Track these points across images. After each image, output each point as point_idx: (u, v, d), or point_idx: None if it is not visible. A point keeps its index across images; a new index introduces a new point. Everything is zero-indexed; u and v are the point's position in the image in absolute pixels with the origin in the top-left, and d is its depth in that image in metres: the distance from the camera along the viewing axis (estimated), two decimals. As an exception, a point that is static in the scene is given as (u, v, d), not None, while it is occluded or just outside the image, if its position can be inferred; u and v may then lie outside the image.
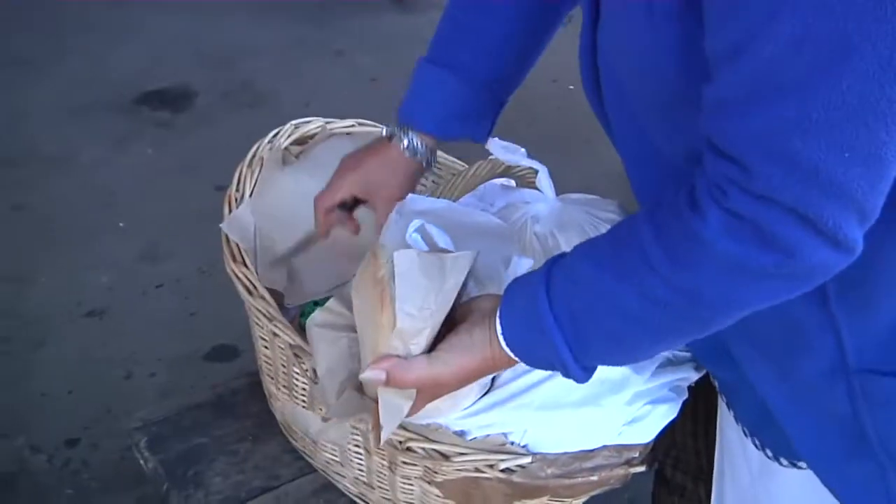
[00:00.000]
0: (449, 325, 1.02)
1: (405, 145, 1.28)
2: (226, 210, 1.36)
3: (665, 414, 1.15)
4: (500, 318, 0.97)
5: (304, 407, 1.28)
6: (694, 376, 1.20)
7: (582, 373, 0.96)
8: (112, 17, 3.97)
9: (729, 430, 1.20)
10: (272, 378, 1.37)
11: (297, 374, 1.27)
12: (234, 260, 1.33)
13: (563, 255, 0.97)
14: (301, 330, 1.33)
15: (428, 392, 1.02)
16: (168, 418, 1.51)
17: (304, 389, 1.28)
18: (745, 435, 1.14)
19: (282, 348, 1.27)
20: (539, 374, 1.10)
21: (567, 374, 0.96)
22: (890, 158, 0.77)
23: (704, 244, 0.82)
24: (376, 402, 1.03)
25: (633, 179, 1.10)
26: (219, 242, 1.31)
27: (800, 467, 1.08)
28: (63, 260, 2.71)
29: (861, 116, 0.74)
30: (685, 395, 1.19)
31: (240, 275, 1.32)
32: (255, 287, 1.31)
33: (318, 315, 1.16)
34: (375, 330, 1.01)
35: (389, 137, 1.30)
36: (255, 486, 1.41)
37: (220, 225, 1.33)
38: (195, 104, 3.48)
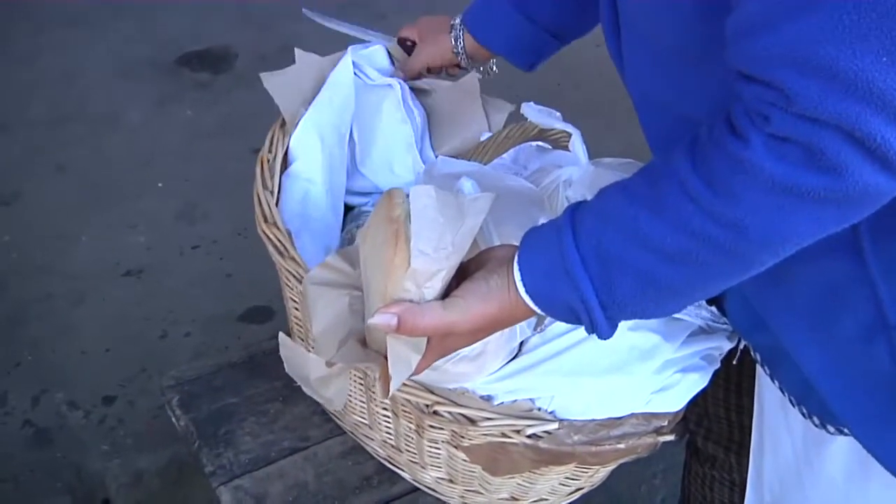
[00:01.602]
0: (463, 275, 0.94)
1: (453, 37, 1.42)
2: (258, 171, 1.35)
3: (696, 383, 1.14)
4: (519, 261, 0.89)
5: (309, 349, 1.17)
6: (727, 346, 1.18)
7: (607, 325, 0.88)
8: None
9: (770, 403, 1.17)
10: (303, 339, 1.37)
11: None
12: (266, 221, 1.32)
13: (586, 200, 0.90)
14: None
15: (439, 344, 0.94)
16: (200, 377, 1.52)
17: (334, 351, 1.27)
18: (792, 404, 1.10)
19: (313, 309, 1.27)
20: (567, 339, 1.09)
21: (591, 325, 0.89)
22: None
23: (749, 167, 0.77)
24: (384, 355, 0.95)
25: (647, 131, 1.07)
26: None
27: (847, 434, 1.04)
28: (103, 219, 2.74)
29: (893, 20, 0.70)
30: (717, 365, 1.17)
31: (271, 236, 1.32)
32: (286, 248, 1.30)
33: (316, 272, 1.08)
34: (386, 273, 0.92)
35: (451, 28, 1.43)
36: (285, 446, 1.41)
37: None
38: (235, 66, 3.48)
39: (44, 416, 2.16)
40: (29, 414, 2.17)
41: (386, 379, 0.94)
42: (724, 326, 1.18)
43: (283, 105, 1.39)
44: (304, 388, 1.14)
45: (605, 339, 0.90)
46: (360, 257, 1.00)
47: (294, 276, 1.28)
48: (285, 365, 1.03)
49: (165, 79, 3.44)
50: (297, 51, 1.45)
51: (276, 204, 1.34)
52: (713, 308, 1.17)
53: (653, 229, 0.82)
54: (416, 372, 0.95)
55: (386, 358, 0.93)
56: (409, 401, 1.13)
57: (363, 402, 1.27)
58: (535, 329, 1.11)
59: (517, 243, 0.94)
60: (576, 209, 0.89)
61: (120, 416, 2.16)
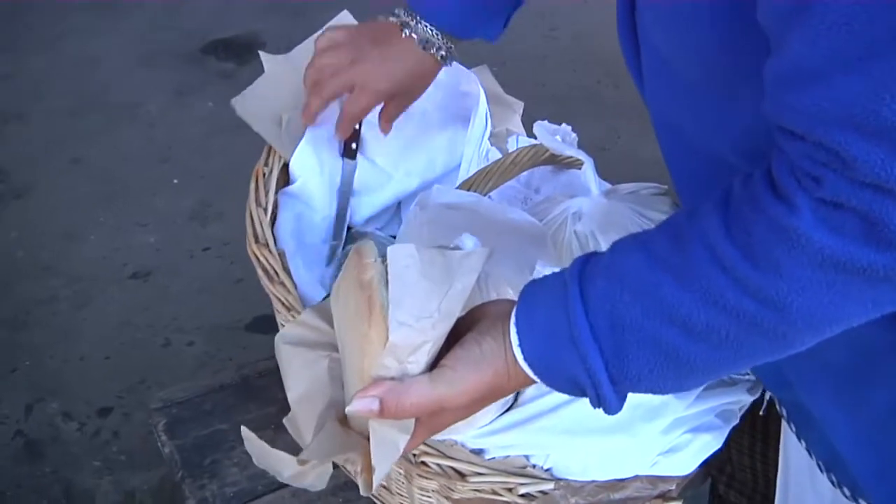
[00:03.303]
0: (454, 336, 0.83)
1: (417, 36, 1.18)
2: (252, 185, 1.29)
3: (708, 444, 1.04)
4: (517, 322, 0.79)
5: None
6: (748, 399, 1.08)
7: (616, 400, 0.79)
8: None
9: (797, 462, 1.07)
10: (294, 366, 1.30)
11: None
12: (257, 241, 1.27)
13: (598, 253, 0.80)
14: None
15: (430, 420, 0.84)
16: (189, 400, 1.45)
17: (322, 385, 1.20)
18: (821, 469, 1.00)
19: (302, 340, 1.20)
20: (564, 395, 1.00)
21: (598, 401, 0.79)
22: None
23: (796, 238, 0.67)
24: (366, 437, 0.84)
25: (669, 162, 0.97)
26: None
27: None
28: (115, 217, 2.69)
29: None
30: (735, 422, 1.08)
31: (261, 257, 1.27)
32: (275, 272, 1.24)
33: (288, 330, 0.98)
34: (362, 349, 0.82)
35: (401, 27, 1.19)
36: (273, 479, 1.32)
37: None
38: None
39: (36, 427, 2.11)
40: (21, 424, 2.12)
41: (369, 470, 0.83)
42: (746, 378, 1.09)
43: (262, 132, 1.32)
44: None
45: (612, 414, 0.80)
46: (334, 320, 0.90)
47: (283, 303, 1.21)
48: (254, 459, 0.93)
49: (188, 68, 3.39)
50: (262, 55, 1.37)
51: (272, 222, 1.27)
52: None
53: (678, 301, 0.73)
54: (405, 453, 0.85)
55: (369, 442, 0.83)
56: (396, 449, 1.06)
57: (353, 441, 1.20)
58: (532, 379, 1.03)
59: (511, 290, 0.84)
60: (586, 263, 0.79)
61: (115, 429, 2.11)
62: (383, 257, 0.82)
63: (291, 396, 0.94)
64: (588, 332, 0.75)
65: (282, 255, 1.30)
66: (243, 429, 0.95)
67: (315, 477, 0.91)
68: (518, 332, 0.79)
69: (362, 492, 0.88)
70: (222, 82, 3.30)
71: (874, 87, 0.62)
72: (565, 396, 0.99)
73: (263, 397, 1.44)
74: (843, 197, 0.65)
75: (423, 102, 1.24)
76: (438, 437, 1.02)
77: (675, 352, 0.75)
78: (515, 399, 1.03)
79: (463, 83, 1.42)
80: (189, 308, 2.39)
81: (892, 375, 0.86)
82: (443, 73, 1.27)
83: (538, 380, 0.80)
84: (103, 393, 2.17)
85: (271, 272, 1.25)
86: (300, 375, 0.94)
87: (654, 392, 0.79)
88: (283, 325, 1.27)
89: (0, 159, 2.89)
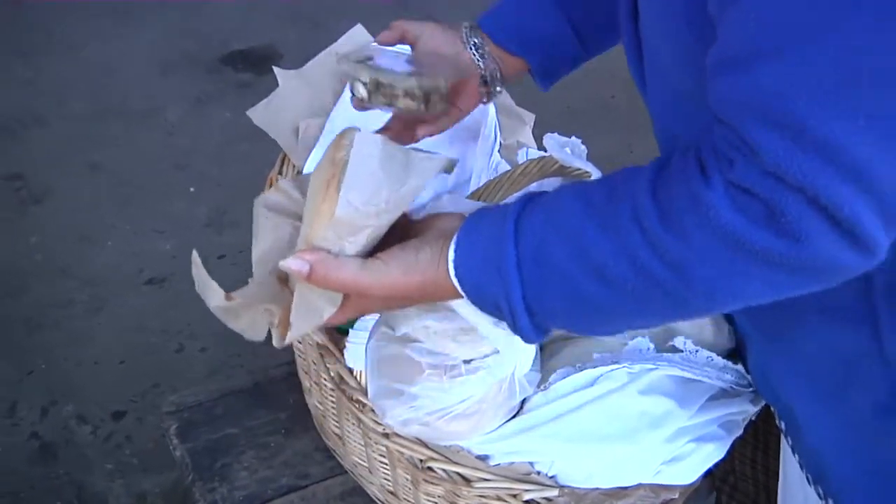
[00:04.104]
0: (406, 234, 0.88)
1: (473, 45, 1.18)
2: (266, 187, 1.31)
3: (711, 454, 1.05)
4: (457, 241, 0.83)
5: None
6: (751, 409, 1.09)
7: (532, 328, 0.83)
8: None
9: (792, 476, 1.08)
10: (305, 372, 1.32)
11: (324, 374, 1.21)
12: (270, 249, 1.29)
13: (544, 193, 0.84)
14: (332, 329, 1.26)
15: (357, 302, 0.88)
16: (201, 404, 1.47)
17: (331, 390, 1.21)
18: (809, 483, 1.02)
19: (310, 345, 1.21)
20: (572, 401, 1.02)
21: (514, 325, 0.83)
22: None
23: (706, 209, 0.71)
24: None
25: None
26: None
27: None
28: (131, 223, 2.71)
29: (876, 78, 0.64)
30: (739, 432, 1.09)
31: (274, 265, 1.28)
32: (287, 278, 1.26)
33: (269, 195, 1.01)
34: (312, 217, 0.87)
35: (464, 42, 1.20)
36: (283, 483, 1.36)
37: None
38: (279, 66, 3.43)
39: (51, 429, 2.13)
40: (37, 426, 2.14)
41: (285, 325, 0.88)
42: (750, 389, 1.09)
43: (278, 138, 1.34)
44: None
45: (529, 342, 0.86)
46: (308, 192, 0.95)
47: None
48: (196, 285, 0.97)
49: (207, 77, 3.42)
50: (276, 70, 1.39)
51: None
52: (739, 367, 1.09)
53: (597, 248, 0.77)
54: (329, 324, 0.90)
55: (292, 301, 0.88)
56: (402, 454, 1.08)
57: (361, 446, 1.21)
58: (537, 387, 1.04)
59: None
60: (530, 200, 0.84)
61: (128, 432, 2.12)
62: None
63: (255, 254, 0.98)
64: (514, 261, 0.80)
65: (295, 262, 1.32)
66: (194, 253, 0.96)
67: (247, 323, 0.95)
68: (455, 249, 0.83)
69: (275, 343, 0.93)
70: (240, 92, 3.32)
71: (781, 82, 0.65)
72: (572, 404, 1.02)
73: (274, 402, 1.46)
74: (749, 182, 0.69)
75: None
76: (444, 443, 1.05)
77: (586, 295, 0.79)
78: (521, 406, 1.05)
79: None
80: (203, 314, 2.35)
81: (872, 382, 0.88)
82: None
83: (465, 297, 0.84)
84: (117, 397, 2.19)
85: (283, 278, 1.26)
86: (265, 237, 0.98)
87: (568, 329, 0.87)
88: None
89: (20, 164, 2.91)
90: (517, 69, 1.20)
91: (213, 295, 0.95)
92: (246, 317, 0.96)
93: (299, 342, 1.29)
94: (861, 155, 0.65)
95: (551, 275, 0.79)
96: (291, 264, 0.84)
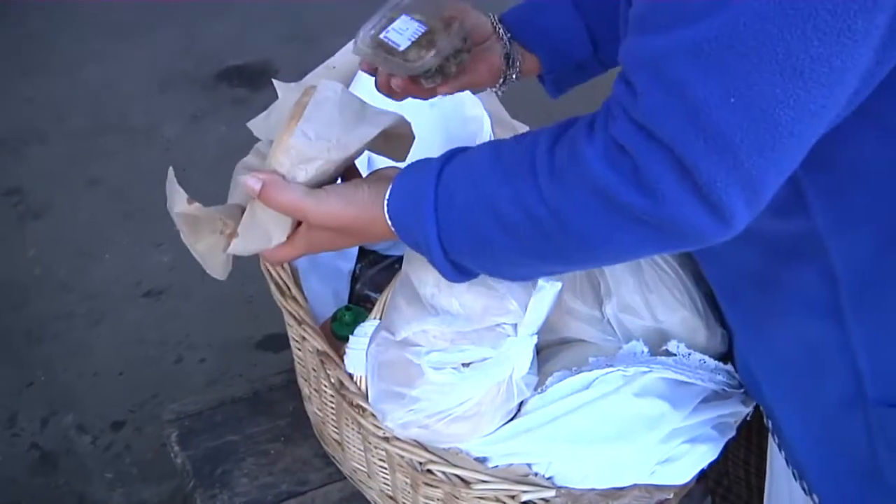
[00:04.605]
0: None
1: (500, 32, 1.18)
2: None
3: (704, 455, 1.08)
4: (394, 183, 0.93)
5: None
6: (742, 411, 1.12)
7: (450, 268, 0.92)
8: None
9: (778, 473, 1.12)
10: (305, 379, 1.34)
11: (324, 380, 1.22)
12: (269, 258, 1.30)
13: (471, 147, 0.93)
14: (331, 335, 1.28)
15: (306, 235, 0.98)
16: (201, 413, 1.48)
17: (331, 396, 1.23)
18: (795, 478, 1.06)
19: (310, 352, 1.23)
20: (568, 403, 1.05)
21: (431, 261, 0.92)
22: (785, 124, 0.69)
23: (583, 163, 0.78)
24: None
25: None
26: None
27: None
28: (130, 236, 2.73)
29: (753, 60, 0.68)
30: (731, 433, 1.11)
31: (273, 273, 1.30)
32: (287, 287, 1.28)
33: (247, 158, 1.14)
34: (274, 146, 0.96)
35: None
36: (283, 489, 1.37)
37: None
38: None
39: (51, 440, 2.14)
40: (37, 436, 2.15)
41: (233, 236, 0.99)
42: (741, 390, 1.12)
43: None
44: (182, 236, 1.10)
45: (450, 280, 0.94)
46: None
47: (294, 317, 1.24)
48: (167, 200, 1.03)
49: (203, 93, 3.44)
50: (275, 82, 1.41)
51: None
52: (730, 368, 1.11)
53: (497, 194, 0.84)
54: (278, 257, 1.01)
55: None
56: (402, 457, 1.09)
57: (361, 451, 1.23)
58: (535, 390, 1.06)
59: (514, 301, 0.98)
60: (458, 151, 0.92)
61: (127, 442, 2.14)
62: None
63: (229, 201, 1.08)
64: (432, 203, 0.88)
65: (294, 271, 1.33)
66: (169, 170, 1.02)
67: (205, 248, 1.04)
68: (391, 190, 0.92)
69: (221, 250, 1.03)
70: (236, 108, 3.34)
71: (677, 46, 0.70)
72: (568, 406, 1.05)
73: (273, 410, 1.47)
74: (624, 137, 0.75)
75: (427, 126, 1.25)
76: (444, 446, 1.07)
77: (488, 237, 0.86)
78: (519, 409, 1.07)
79: (468, 107, 1.45)
80: (201, 326, 2.42)
81: (838, 374, 0.92)
82: (448, 98, 1.30)
83: (395, 233, 0.93)
84: (116, 407, 2.21)
85: (283, 287, 1.28)
86: (238, 190, 1.08)
87: (479, 270, 0.93)
88: (294, 340, 1.31)
89: (20, 179, 2.94)
90: (530, 68, 1.22)
91: (177, 200, 1.01)
92: (205, 238, 1.04)
93: (298, 350, 1.31)
94: (727, 129, 0.70)
95: (461, 217, 0.87)
96: (247, 180, 0.93)
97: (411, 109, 1.14)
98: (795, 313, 0.92)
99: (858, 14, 0.66)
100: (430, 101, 1.37)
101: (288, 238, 0.98)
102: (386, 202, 0.92)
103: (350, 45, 1.48)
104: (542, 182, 0.81)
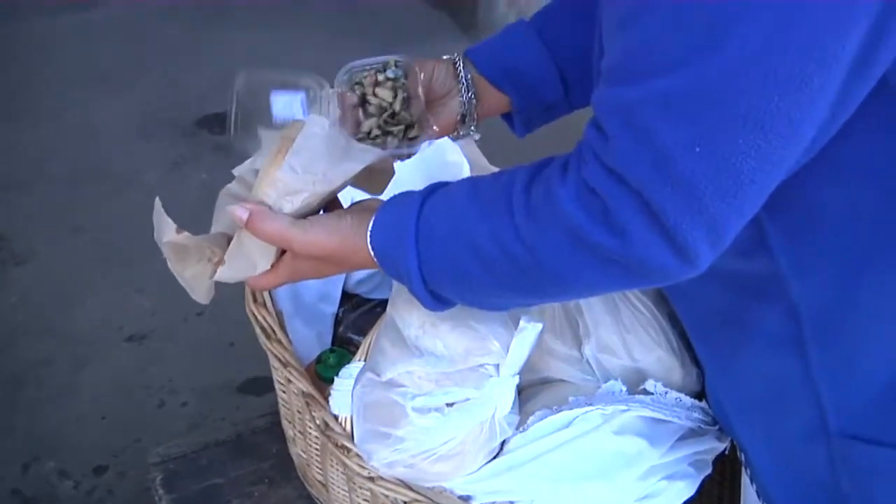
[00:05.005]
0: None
1: (451, 57, 1.19)
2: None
3: (681, 491, 1.10)
4: (377, 214, 0.96)
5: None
6: (718, 447, 1.14)
7: (430, 297, 0.95)
8: (189, 38, 4.01)
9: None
10: (289, 421, 1.35)
11: (309, 422, 1.24)
12: (255, 300, 1.32)
13: (451, 182, 0.97)
14: (316, 377, 1.31)
15: (290, 264, 1.02)
16: (186, 455, 1.49)
17: (316, 437, 1.25)
18: None
19: (295, 394, 1.25)
20: (550, 441, 1.07)
21: (412, 291, 0.95)
22: (747, 172, 0.74)
23: (557, 205, 0.81)
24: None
25: None
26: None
27: None
28: (112, 282, 2.74)
29: (718, 113, 0.72)
30: (707, 470, 1.14)
31: (259, 317, 1.31)
32: (273, 330, 1.29)
33: (230, 186, 1.16)
34: (260, 178, 1.01)
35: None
36: (266, 531, 1.38)
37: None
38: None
39: (33, 485, 2.13)
40: (18, 482, 2.14)
41: (220, 264, 1.03)
42: (716, 427, 1.14)
43: None
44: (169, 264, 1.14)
45: (430, 309, 0.97)
46: None
47: (279, 360, 1.26)
48: (155, 231, 1.08)
49: (184, 140, 3.46)
50: (261, 131, 1.44)
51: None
52: (704, 405, 1.14)
53: (475, 229, 0.88)
54: (263, 284, 1.05)
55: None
56: (387, 496, 1.10)
57: (345, 491, 1.24)
58: (517, 429, 1.08)
59: (497, 342, 1.02)
60: (440, 185, 0.96)
61: (110, 486, 2.13)
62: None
63: (212, 230, 1.13)
64: (413, 236, 0.92)
65: (279, 315, 1.35)
66: (156, 200, 1.09)
67: (192, 275, 1.08)
68: (374, 221, 0.96)
69: (207, 277, 1.06)
70: (216, 154, 3.36)
71: (648, 96, 0.74)
72: (550, 444, 1.07)
73: (257, 453, 1.48)
74: (594, 180, 0.79)
75: (407, 173, 1.26)
76: (429, 485, 1.09)
77: (467, 271, 0.90)
78: (501, 447, 1.09)
79: (448, 154, 1.48)
80: (183, 370, 2.43)
81: (804, 405, 0.95)
82: (428, 146, 1.34)
83: (377, 263, 0.96)
84: (99, 452, 2.20)
85: (269, 330, 1.30)
86: (223, 218, 1.11)
87: (457, 300, 0.97)
88: (279, 382, 1.32)
89: (2, 226, 2.93)
90: (496, 106, 1.22)
91: (166, 230, 1.06)
92: (192, 266, 1.07)
93: (283, 392, 1.32)
94: (692, 176, 0.74)
95: (440, 251, 0.91)
96: (235, 210, 0.98)
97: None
98: (760, 349, 0.95)
99: (815, 72, 0.70)
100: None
101: (272, 266, 1.02)
102: (369, 233, 0.95)
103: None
104: (519, 220, 0.84)
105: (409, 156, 1.19)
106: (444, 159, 1.48)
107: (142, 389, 2.38)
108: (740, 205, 0.76)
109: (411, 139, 1.17)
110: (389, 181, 1.11)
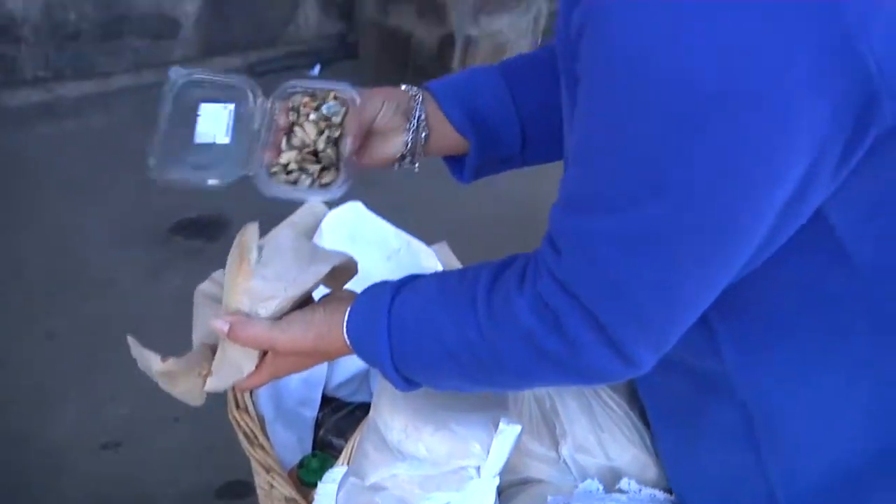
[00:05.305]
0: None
1: (410, 89, 1.18)
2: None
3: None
4: (353, 304, 1.05)
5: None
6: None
7: (402, 381, 1.03)
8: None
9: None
10: (272, 524, 1.36)
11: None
12: (238, 406, 1.34)
13: (420, 275, 1.06)
14: (298, 482, 1.32)
15: (272, 363, 1.09)
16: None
17: (300, 541, 1.26)
18: None
19: (279, 500, 1.26)
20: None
21: (386, 377, 1.04)
22: (688, 297, 0.83)
23: (516, 314, 0.90)
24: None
25: None
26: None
27: None
28: (87, 389, 2.72)
29: (662, 250, 0.80)
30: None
31: (241, 422, 1.34)
32: (255, 436, 1.31)
33: (205, 285, 1.26)
34: (230, 288, 1.08)
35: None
36: None
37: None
38: (228, 233, 3.52)
39: None
40: None
41: (207, 375, 1.11)
42: (672, 498, 1.18)
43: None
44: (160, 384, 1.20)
45: (401, 391, 1.05)
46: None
47: (262, 465, 1.28)
48: (138, 362, 1.16)
49: (158, 247, 3.47)
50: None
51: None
52: (676, 499, 1.17)
53: (441, 323, 0.97)
54: (250, 385, 1.12)
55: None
56: None
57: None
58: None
59: (478, 444, 1.08)
60: (413, 279, 1.04)
61: None
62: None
63: (194, 337, 1.22)
64: (385, 329, 1.00)
65: (260, 420, 1.38)
66: (129, 338, 1.16)
67: (184, 389, 1.16)
68: (349, 312, 1.04)
69: (199, 389, 1.14)
70: (190, 260, 3.38)
71: (599, 229, 0.82)
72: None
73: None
74: (548, 294, 0.87)
75: (383, 277, 1.30)
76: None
77: (435, 362, 0.99)
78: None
79: (422, 258, 1.53)
80: (159, 476, 2.40)
81: (759, 497, 1.01)
82: (405, 252, 1.39)
83: (354, 351, 1.05)
84: (74, 567, 2.17)
85: (251, 436, 1.32)
86: (203, 321, 1.21)
87: (427, 385, 1.05)
88: (261, 487, 1.34)
89: (-26, 333, 2.93)
90: (446, 148, 1.20)
91: (153, 362, 1.13)
92: (183, 383, 1.15)
93: (266, 497, 1.34)
94: (642, 301, 0.82)
95: (411, 342, 1.00)
96: (216, 323, 1.06)
97: (368, 260, 1.22)
98: (717, 439, 1.02)
99: (749, 216, 0.78)
100: (387, 254, 1.46)
101: (256, 367, 1.08)
102: (345, 325, 1.04)
103: (309, 203, 1.56)
104: (482, 320, 0.93)
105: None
106: (419, 264, 1.52)
107: (118, 499, 2.35)
108: (682, 320, 0.84)
109: (324, 184, 1.15)
110: (352, 278, 1.16)
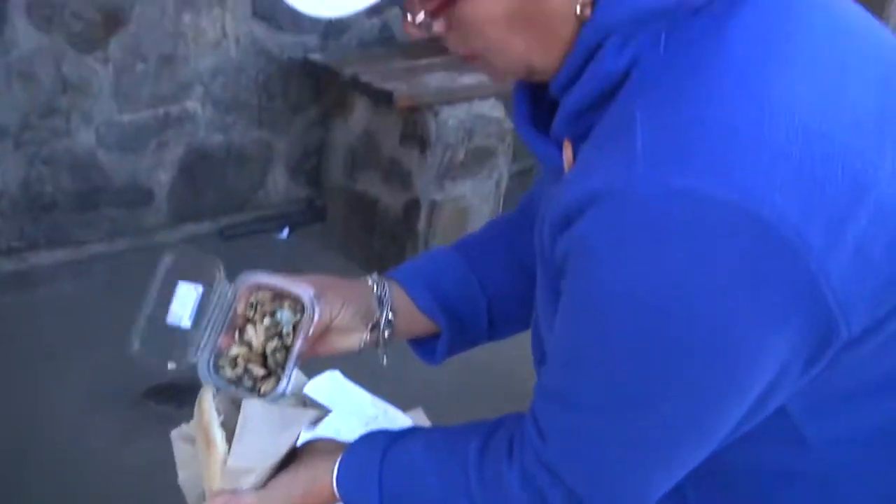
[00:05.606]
0: (292, 460, 1.15)
1: (374, 279, 1.20)
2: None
3: None
4: (341, 459, 1.10)
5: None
6: None
7: None
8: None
9: None
10: None
11: None
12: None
13: (409, 432, 1.13)
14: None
15: None
16: None
17: None
18: None
19: None
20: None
21: None
22: (658, 481, 0.90)
23: (507, 487, 0.96)
24: None
25: None
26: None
27: None
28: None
29: (636, 450, 0.88)
30: None
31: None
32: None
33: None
34: (208, 471, 1.13)
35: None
36: None
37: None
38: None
39: None
40: None
41: None
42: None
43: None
44: None
45: None
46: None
47: None
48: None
49: (130, 413, 3.47)
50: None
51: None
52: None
53: (433, 487, 1.03)
54: None
55: None
56: None
57: None
58: None
59: None
60: (401, 435, 1.12)
61: None
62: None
63: (179, 477, 1.28)
64: (377, 484, 1.06)
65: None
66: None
67: None
68: (339, 466, 1.11)
69: None
70: (161, 425, 3.35)
71: (581, 427, 0.90)
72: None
73: None
74: (534, 472, 0.94)
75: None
76: None
77: None
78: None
79: (399, 426, 1.57)
80: None
81: None
82: (382, 419, 1.43)
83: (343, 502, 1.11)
84: None
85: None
86: (184, 464, 1.26)
87: None
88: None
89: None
90: (414, 332, 1.25)
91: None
92: None
93: None
94: (616, 483, 0.91)
95: (401, 500, 1.06)
96: None
97: (347, 429, 1.24)
98: None
99: (717, 424, 0.86)
100: (365, 420, 1.50)
101: None
102: (336, 479, 1.10)
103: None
104: (473, 486, 0.99)
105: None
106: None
107: None
108: (656, 495, 0.92)
109: (262, 392, 1.17)
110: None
